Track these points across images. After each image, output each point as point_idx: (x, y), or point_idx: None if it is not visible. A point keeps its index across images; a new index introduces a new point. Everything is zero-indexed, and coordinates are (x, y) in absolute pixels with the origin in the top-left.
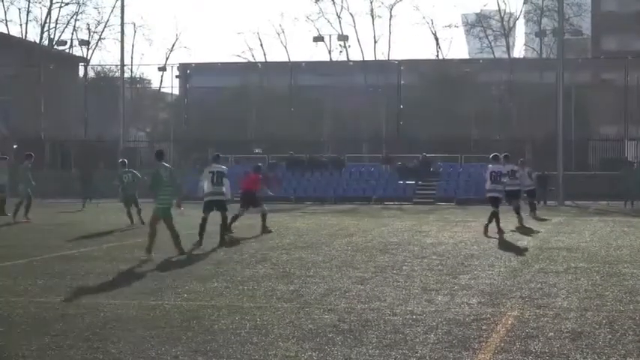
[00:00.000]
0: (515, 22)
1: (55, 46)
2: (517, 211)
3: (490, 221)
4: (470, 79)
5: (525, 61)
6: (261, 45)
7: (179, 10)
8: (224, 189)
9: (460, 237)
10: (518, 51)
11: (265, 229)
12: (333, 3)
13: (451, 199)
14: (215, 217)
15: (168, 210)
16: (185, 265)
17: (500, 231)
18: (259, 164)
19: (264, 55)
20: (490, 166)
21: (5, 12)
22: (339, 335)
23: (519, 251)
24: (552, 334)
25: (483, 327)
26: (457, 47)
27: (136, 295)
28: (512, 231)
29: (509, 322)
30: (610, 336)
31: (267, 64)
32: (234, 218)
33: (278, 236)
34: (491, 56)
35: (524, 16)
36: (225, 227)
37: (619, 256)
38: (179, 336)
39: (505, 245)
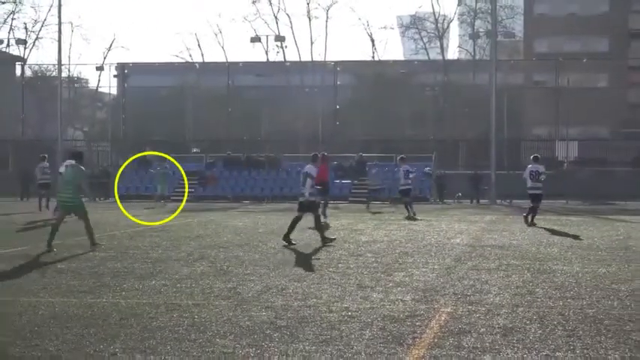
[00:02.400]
0: (449, 24)
1: None
2: (408, 205)
3: (528, 214)
4: (405, 80)
5: (459, 62)
6: (199, 45)
7: (117, 10)
8: (303, 189)
9: (394, 235)
10: (452, 52)
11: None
12: (270, 4)
13: (385, 199)
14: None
15: (67, 206)
16: (123, 263)
17: (532, 224)
18: (316, 153)
19: (202, 55)
20: (529, 166)
21: None
22: (275, 332)
23: (453, 249)
24: (484, 329)
25: (417, 323)
26: (392, 49)
27: (74, 293)
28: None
29: (443, 318)
30: (540, 331)
31: (204, 65)
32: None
33: (215, 234)
34: (426, 58)
35: (458, 18)
36: (319, 227)
37: (549, 253)
38: (117, 333)
39: (439, 243)
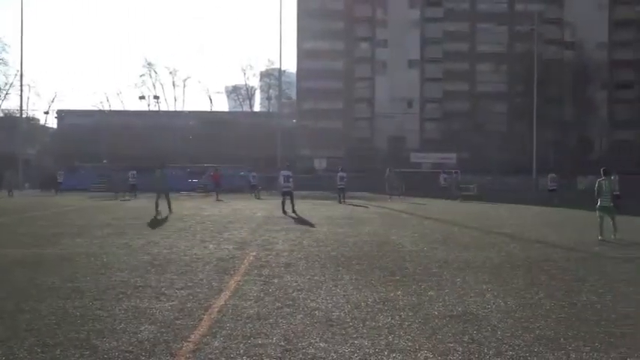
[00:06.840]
0: (254, 91)
1: None
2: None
3: (284, 205)
4: (229, 122)
5: (260, 113)
6: (107, 99)
7: (59, 71)
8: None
9: (224, 212)
10: (257, 107)
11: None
12: (150, 77)
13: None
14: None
15: None
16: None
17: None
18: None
19: (109, 105)
20: (282, 172)
21: None
22: (153, 268)
23: (255, 219)
24: (274, 265)
25: (236, 262)
26: (223, 104)
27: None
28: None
29: (251, 259)
30: (306, 265)
31: (112, 111)
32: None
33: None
34: (241, 110)
35: (260, 88)
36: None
37: (309, 221)
38: (56, 271)
39: (247, 216)
